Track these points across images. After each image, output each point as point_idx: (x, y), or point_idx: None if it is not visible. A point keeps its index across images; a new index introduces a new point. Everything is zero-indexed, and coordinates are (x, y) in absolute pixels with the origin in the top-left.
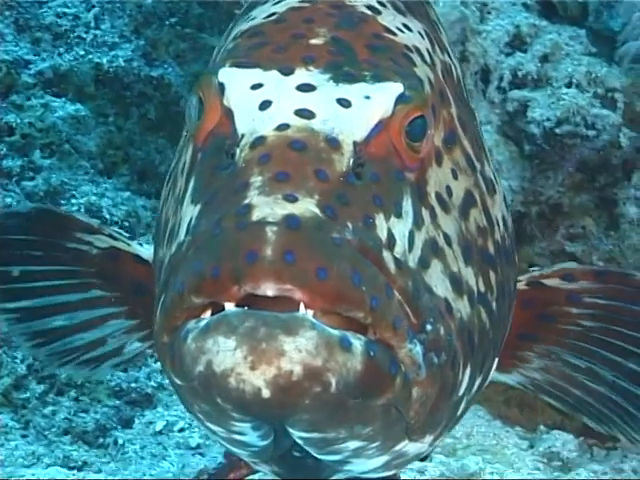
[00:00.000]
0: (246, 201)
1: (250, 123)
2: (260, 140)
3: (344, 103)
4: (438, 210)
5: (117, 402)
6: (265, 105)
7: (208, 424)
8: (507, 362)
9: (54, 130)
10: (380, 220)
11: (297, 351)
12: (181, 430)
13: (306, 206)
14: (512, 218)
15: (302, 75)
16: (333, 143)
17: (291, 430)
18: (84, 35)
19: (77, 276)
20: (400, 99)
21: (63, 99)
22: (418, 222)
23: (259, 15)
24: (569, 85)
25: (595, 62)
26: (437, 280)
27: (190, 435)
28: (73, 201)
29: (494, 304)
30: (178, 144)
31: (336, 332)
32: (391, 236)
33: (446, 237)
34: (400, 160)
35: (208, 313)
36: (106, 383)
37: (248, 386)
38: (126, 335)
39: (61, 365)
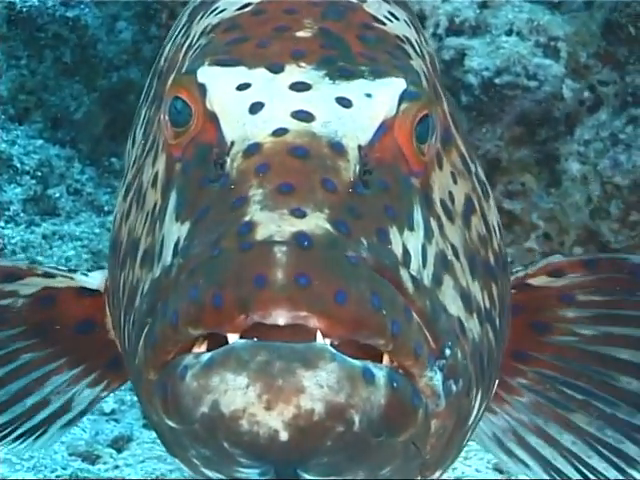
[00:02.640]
0: (247, 218)
1: (240, 128)
2: (255, 147)
3: (344, 103)
4: (444, 219)
5: None
6: (256, 108)
7: (204, 470)
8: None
9: None
10: (394, 234)
11: (318, 387)
12: None
13: (316, 222)
14: None
15: (294, 72)
16: (337, 148)
17: (304, 475)
18: None
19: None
20: (404, 96)
21: None
22: (428, 234)
23: (229, 7)
24: (509, 33)
25: (537, 9)
26: (450, 298)
27: (105, 400)
28: None
29: (497, 320)
30: (130, 137)
31: (358, 363)
32: (406, 252)
33: (454, 249)
34: (407, 165)
35: (204, 346)
36: None
37: (263, 429)
38: (72, 386)
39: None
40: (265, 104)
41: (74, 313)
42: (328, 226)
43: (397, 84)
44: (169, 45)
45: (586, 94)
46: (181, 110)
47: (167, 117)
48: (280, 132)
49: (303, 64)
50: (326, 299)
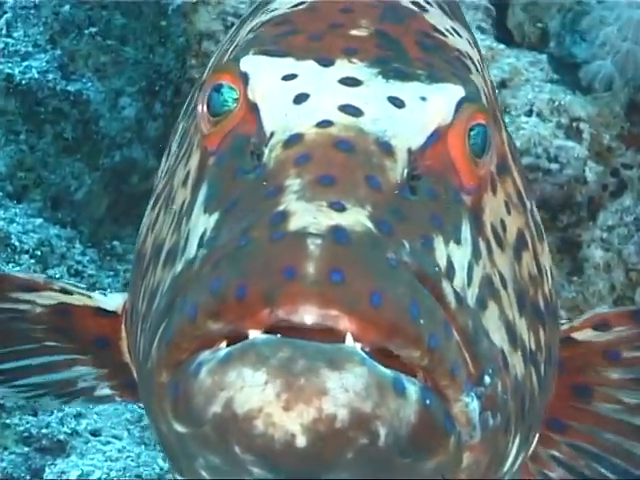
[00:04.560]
0: (281, 207)
1: (282, 119)
2: (296, 138)
3: (397, 103)
4: (494, 245)
5: (26, 449)
6: (301, 99)
7: None
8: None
9: None
10: (439, 244)
11: (344, 391)
12: None
13: (357, 218)
14: None
15: (345, 67)
16: (385, 147)
17: None
18: None
19: (25, 337)
20: (461, 104)
21: None
22: (476, 254)
23: (282, 6)
24: (529, 113)
25: (558, 89)
26: (494, 326)
27: None
28: None
29: (542, 367)
30: (164, 154)
31: (389, 372)
32: (451, 265)
33: (502, 278)
34: (458, 178)
35: (224, 345)
36: (14, 428)
37: (279, 432)
38: (97, 381)
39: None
40: (311, 95)
41: (90, 330)
42: (369, 223)
43: (455, 91)
44: (214, 55)
45: (609, 178)
46: (220, 97)
47: (205, 107)
48: (325, 124)
49: (355, 60)
50: (360, 299)
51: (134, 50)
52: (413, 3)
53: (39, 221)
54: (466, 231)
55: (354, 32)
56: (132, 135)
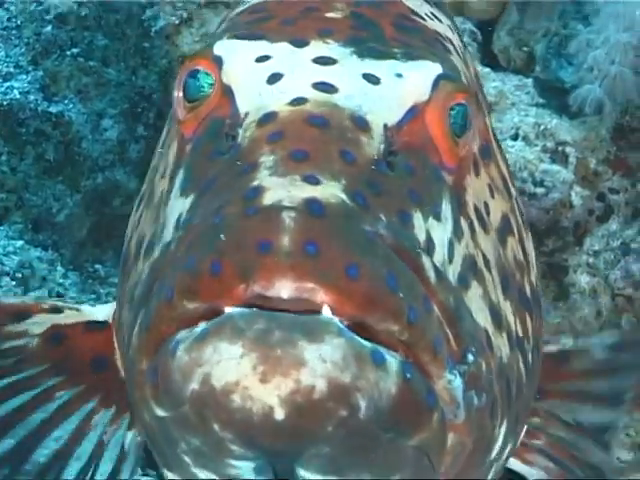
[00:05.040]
0: (255, 183)
1: (256, 99)
2: (270, 116)
3: (372, 79)
4: (477, 226)
5: None
6: (275, 78)
7: (195, 470)
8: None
9: None
10: (418, 219)
11: (321, 361)
12: None
13: (332, 190)
14: None
15: (319, 47)
16: (360, 123)
17: (302, 472)
18: None
19: (33, 384)
20: (439, 81)
21: None
22: (457, 232)
23: None
24: (515, 137)
25: (544, 113)
26: (477, 306)
27: None
28: None
29: (529, 355)
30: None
31: (367, 344)
32: (430, 240)
33: (485, 259)
34: (438, 155)
35: (203, 324)
36: None
37: (257, 405)
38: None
39: None
40: (285, 74)
41: (85, 350)
42: (344, 196)
43: (432, 68)
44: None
45: (596, 202)
46: (196, 83)
47: (181, 93)
48: (299, 101)
49: (330, 40)
50: (336, 270)
51: (116, 72)
52: None
53: (20, 243)
54: (446, 208)
55: (329, 14)
56: (114, 157)
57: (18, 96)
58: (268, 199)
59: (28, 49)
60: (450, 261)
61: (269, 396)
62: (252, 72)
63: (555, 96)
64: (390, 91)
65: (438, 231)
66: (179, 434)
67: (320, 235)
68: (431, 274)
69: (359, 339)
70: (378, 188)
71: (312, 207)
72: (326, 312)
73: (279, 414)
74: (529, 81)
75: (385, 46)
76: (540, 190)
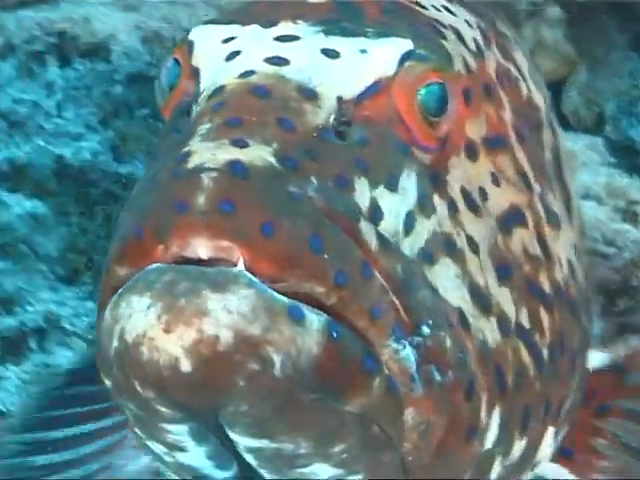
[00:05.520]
0: (186, 149)
1: (213, 76)
2: (218, 90)
3: (331, 54)
4: (462, 207)
5: None
6: (233, 55)
7: (148, 443)
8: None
9: (9, 229)
10: (362, 186)
11: (226, 312)
12: None
13: (258, 153)
14: None
15: (287, 27)
16: (307, 93)
17: (232, 435)
18: (44, 124)
19: None
20: (408, 57)
21: (20, 195)
22: (425, 207)
23: None
24: (586, 197)
25: (615, 172)
26: (448, 283)
27: None
28: (29, 309)
29: (544, 350)
30: None
31: (284, 299)
32: (376, 208)
33: (471, 241)
34: (407, 132)
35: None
36: None
37: (163, 356)
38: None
39: None
40: (242, 52)
41: None
42: (271, 159)
43: (401, 44)
44: None
45: None
46: (174, 69)
47: (162, 80)
48: (247, 74)
49: (300, 21)
50: (251, 228)
51: None
52: None
53: (90, 304)
54: (409, 182)
55: (313, 0)
56: None
57: (88, 157)
58: (192, 162)
59: (98, 109)
60: (407, 233)
61: (173, 346)
62: (216, 52)
63: (626, 155)
64: (349, 65)
65: (390, 201)
66: (121, 402)
67: (238, 194)
68: (372, 240)
69: (274, 293)
70: (315, 154)
71: (234, 168)
72: (240, 266)
73: (185, 365)
74: (599, 140)
75: (359, 26)
76: (611, 250)
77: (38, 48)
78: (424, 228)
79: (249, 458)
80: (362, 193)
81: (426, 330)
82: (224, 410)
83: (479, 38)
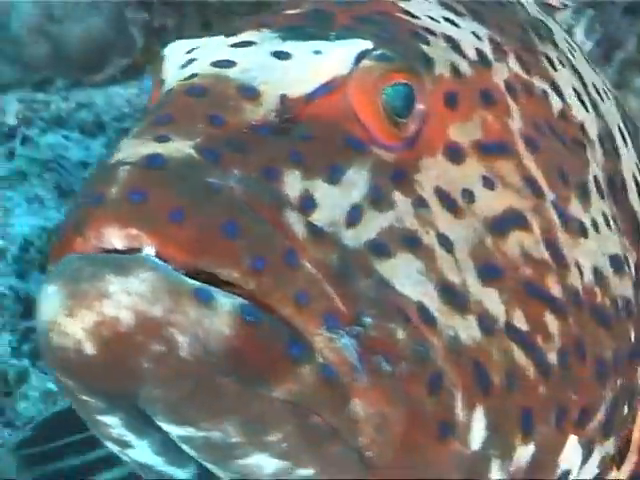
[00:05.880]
0: (116, 148)
1: (168, 84)
2: (164, 94)
3: (281, 56)
4: (436, 207)
5: None
6: (187, 63)
7: (102, 439)
8: None
9: None
10: (292, 177)
11: (126, 294)
12: None
13: (178, 146)
14: None
15: (249, 35)
16: (248, 92)
17: (161, 424)
18: None
19: None
20: (364, 56)
21: None
22: (379, 202)
23: None
24: None
25: None
26: (406, 278)
27: None
28: None
29: (553, 355)
30: None
31: (191, 281)
32: (308, 198)
33: (444, 239)
34: (364, 130)
35: None
36: None
37: (69, 340)
38: None
39: None
40: (197, 59)
41: None
42: (191, 151)
43: (358, 44)
44: None
45: None
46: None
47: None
48: (190, 77)
49: (264, 29)
50: (159, 215)
51: None
52: None
53: None
54: (357, 177)
55: (289, 11)
56: None
57: None
58: (115, 159)
59: None
60: (351, 225)
61: (76, 330)
62: (177, 62)
63: None
64: (300, 65)
65: (329, 193)
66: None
67: (149, 184)
68: (299, 229)
69: (179, 275)
70: (243, 147)
71: (151, 161)
72: (148, 251)
73: (89, 349)
74: None
75: (324, 31)
76: None
77: (127, 125)
78: (376, 222)
79: (187, 450)
80: (292, 184)
81: (368, 320)
82: (139, 395)
83: (486, 49)
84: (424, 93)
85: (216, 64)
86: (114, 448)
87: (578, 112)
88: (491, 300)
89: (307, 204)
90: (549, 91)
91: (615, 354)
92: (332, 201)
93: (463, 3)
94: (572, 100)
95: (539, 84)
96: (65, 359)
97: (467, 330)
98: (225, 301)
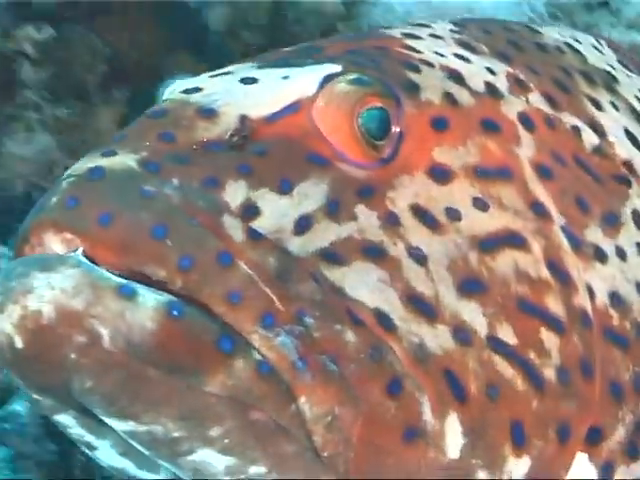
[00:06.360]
0: None
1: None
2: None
3: (247, 81)
4: (408, 221)
5: None
6: (169, 94)
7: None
8: None
9: None
10: (236, 187)
11: (49, 288)
12: None
13: (120, 159)
14: None
15: (230, 67)
16: (205, 112)
17: (102, 418)
18: None
19: None
20: (330, 79)
21: None
22: (336, 214)
23: None
24: None
25: None
26: (363, 284)
27: None
28: None
29: (549, 371)
30: None
31: (115, 278)
32: (251, 206)
33: (415, 252)
34: (328, 147)
35: None
36: None
37: (2, 335)
38: None
39: None
40: (176, 89)
41: None
42: (133, 163)
43: (327, 68)
44: None
45: None
46: None
47: None
48: (160, 103)
49: (256, 63)
50: (89, 219)
51: None
52: (408, 35)
53: None
54: (315, 190)
55: (286, 49)
56: None
57: None
58: (65, 173)
59: None
60: (299, 233)
61: (5, 324)
62: (167, 95)
63: None
64: (264, 89)
65: (275, 202)
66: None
67: (85, 192)
68: (236, 233)
69: (102, 272)
70: (188, 160)
71: (93, 173)
72: (79, 252)
73: (18, 342)
74: None
75: (307, 60)
76: None
77: None
78: (330, 231)
79: (136, 446)
80: (234, 193)
81: (310, 321)
82: (73, 388)
83: (499, 83)
84: (402, 116)
85: (185, 91)
86: (86, 451)
87: (622, 150)
88: (471, 312)
89: (249, 211)
90: (583, 127)
91: (636, 376)
92: (279, 210)
93: (489, 44)
94: (617, 139)
95: (569, 120)
96: (1, 354)
97: (436, 339)
98: (149, 297)
